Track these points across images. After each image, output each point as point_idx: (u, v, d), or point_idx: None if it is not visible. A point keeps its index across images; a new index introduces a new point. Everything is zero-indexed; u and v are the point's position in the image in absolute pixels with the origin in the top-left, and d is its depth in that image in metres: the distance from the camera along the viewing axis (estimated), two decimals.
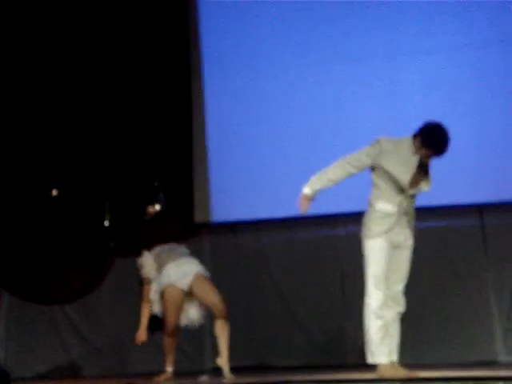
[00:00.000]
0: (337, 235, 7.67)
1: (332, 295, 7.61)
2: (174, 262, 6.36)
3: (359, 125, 7.35)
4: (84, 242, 8.34)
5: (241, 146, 7.91)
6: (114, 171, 8.44)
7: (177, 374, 6.46)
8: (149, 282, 6.45)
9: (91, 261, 8.27)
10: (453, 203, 7.22)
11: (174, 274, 6.30)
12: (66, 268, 8.29)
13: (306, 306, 7.68)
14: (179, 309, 6.33)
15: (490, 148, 7.15)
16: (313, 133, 7.65)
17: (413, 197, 5.37)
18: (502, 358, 7.06)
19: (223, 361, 6.31)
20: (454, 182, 7.05)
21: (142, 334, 6.45)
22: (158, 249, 6.49)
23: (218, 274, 7.28)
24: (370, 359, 5.24)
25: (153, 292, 6.43)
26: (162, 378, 6.33)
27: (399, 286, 5.33)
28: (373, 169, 5.32)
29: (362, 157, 5.28)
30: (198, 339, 7.71)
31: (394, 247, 5.28)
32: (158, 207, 6.77)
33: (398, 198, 5.26)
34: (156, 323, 6.47)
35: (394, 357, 5.30)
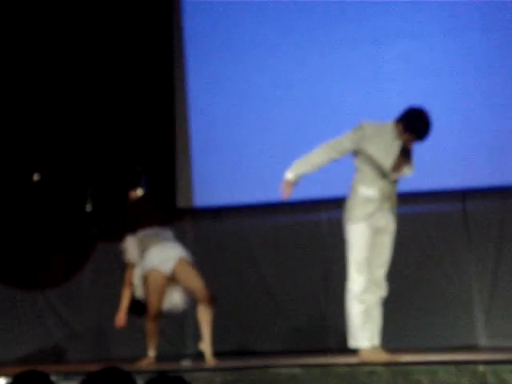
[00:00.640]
0: (319, 220, 7.67)
1: (315, 280, 7.62)
2: (157, 247, 6.35)
3: (343, 110, 7.34)
4: (66, 226, 8.32)
5: (223, 130, 7.89)
6: (96, 155, 8.41)
7: (159, 358, 6.47)
8: (132, 266, 6.45)
9: (73, 246, 8.25)
10: (435, 188, 7.24)
11: (157, 259, 6.30)
12: (47, 253, 8.27)
13: (288, 290, 7.69)
14: (162, 293, 6.33)
15: (473, 134, 7.17)
16: (296, 118, 7.64)
17: (395, 182, 5.39)
18: (483, 342, 7.10)
19: (206, 346, 6.32)
20: (437, 167, 7.07)
21: (121, 318, 6.45)
22: (141, 233, 6.48)
23: (200, 259, 7.27)
24: (352, 343, 5.28)
25: (136, 276, 6.43)
26: (145, 362, 6.34)
27: (381, 271, 5.35)
28: (355, 153, 5.33)
29: (344, 141, 5.29)
30: (181, 324, 7.72)
31: (376, 232, 5.30)
32: (140, 192, 6.75)
33: (381, 183, 5.28)
34: (139, 308, 6.47)
35: (376, 341, 5.33)
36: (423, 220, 7.39)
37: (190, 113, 8.03)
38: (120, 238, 6.61)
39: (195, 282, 6.30)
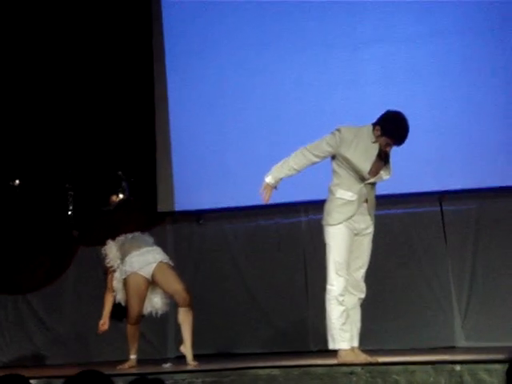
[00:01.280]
0: (299, 223, 7.73)
1: (295, 282, 7.67)
2: (138, 251, 6.38)
3: (320, 114, 7.39)
4: (47, 231, 8.32)
5: (204, 135, 7.92)
6: (78, 160, 8.42)
7: (140, 361, 6.50)
8: (113, 270, 6.47)
9: (55, 250, 8.25)
10: (413, 191, 7.31)
11: (138, 263, 6.33)
12: (29, 257, 8.26)
13: (268, 293, 7.73)
14: (142, 297, 6.36)
15: (449, 138, 7.25)
16: (274, 122, 7.68)
17: (373, 185, 5.43)
18: (461, 343, 7.16)
19: (187, 348, 6.36)
20: (414, 170, 7.13)
21: (104, 324, 6.47)
22: (121, 238, 6.51)
23: (181, 263, 7.32)
24: (332, 345, 5.30)
25: (116, 281, 6.45)
26: (126, 365, 6.36)
27: (360, 273, 5.39)
28: (333, 157, 5.37)
29: (322, 145, 5.33)
30: (162, 327, 7.74)
31: (355, 234, 5.34)
32: (121, 196, 6.78)
33: (358, 186, 5.32)
34: (120, 311, 6.49)
35: (355, 342, 5.37)
36: (401, 222, 7.46)
37: (170, 118, 8.05)
38: (101, 242, 6.64)
39: (175, 285, 6.33)
